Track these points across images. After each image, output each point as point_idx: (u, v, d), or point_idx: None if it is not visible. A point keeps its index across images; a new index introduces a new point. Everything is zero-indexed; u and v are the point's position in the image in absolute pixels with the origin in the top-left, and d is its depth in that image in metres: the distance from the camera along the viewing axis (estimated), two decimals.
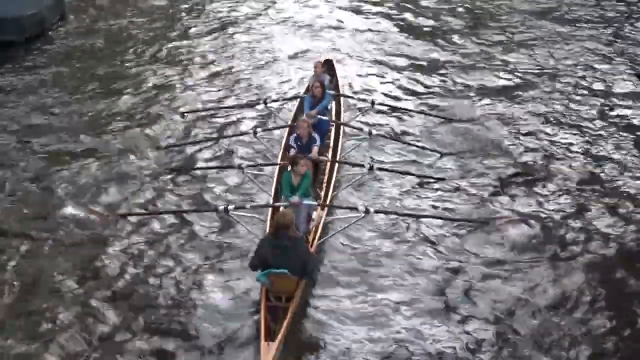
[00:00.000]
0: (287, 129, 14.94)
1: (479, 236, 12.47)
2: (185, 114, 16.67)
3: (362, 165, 13.57)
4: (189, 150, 15.16)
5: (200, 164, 14.50)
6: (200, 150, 15.09)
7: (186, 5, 26.14)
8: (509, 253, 12.10)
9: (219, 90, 18.43)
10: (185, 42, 22.19)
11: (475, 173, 14.60)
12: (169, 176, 14.19)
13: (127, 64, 20.44)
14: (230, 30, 23.28)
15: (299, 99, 16.01)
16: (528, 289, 11.35)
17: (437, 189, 14.00)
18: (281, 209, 11.53)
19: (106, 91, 18.48)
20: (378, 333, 10.40)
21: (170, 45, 21.98)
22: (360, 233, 12.65)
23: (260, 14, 24.89)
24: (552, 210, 13.43)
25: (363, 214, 12.07)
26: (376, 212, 12.33)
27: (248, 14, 24.93)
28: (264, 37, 22.58)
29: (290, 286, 10.39)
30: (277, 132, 15.30)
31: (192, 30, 23.40)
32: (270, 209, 12.15)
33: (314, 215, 12.28)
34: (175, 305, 10.72)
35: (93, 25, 23.65)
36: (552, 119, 17.00)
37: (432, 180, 14.23)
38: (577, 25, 23.67)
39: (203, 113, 16.67)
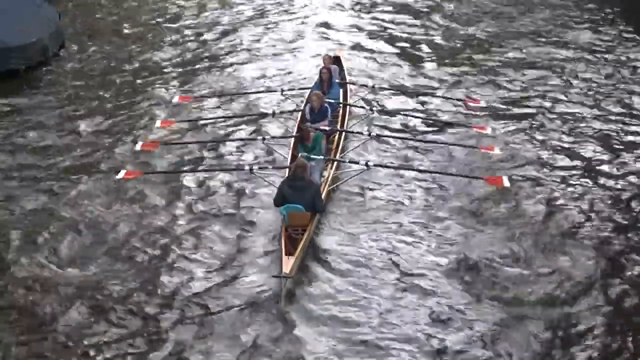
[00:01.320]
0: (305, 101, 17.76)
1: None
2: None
3: (362, 133, 16.32)
4: (196, 152, 17.03)
5: (210, 165, 16.40)
6: (211, 149, 17.14)
7: (178, 37, 25.60)
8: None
9: (217, 108, 19.56)
10: (181, 70, 22.34)
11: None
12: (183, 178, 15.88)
13: (124, 91, 20.69)
14: (229, 60, 23.22)
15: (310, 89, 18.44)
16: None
17: (428, 151, 16.90)
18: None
19: (107, 114, 19.07)
20: (372, 245, 13.58)
21: (166, 70, 22.21)
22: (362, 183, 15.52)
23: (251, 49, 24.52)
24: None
25: (365, 167, 14.77)
26: (375, 165, 14.97)
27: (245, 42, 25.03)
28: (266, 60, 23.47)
29: (305, 219, 13.21)
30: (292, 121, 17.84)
31: (189, 56, 23.54)
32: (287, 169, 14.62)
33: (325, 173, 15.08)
34: (225, 232, 14.00)
35: (93, 53, 23.69)
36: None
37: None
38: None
39: (201, 122, 18.40)
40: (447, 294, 12.18)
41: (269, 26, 26.35)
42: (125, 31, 26.08)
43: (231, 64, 22.61)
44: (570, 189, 15.39)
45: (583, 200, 15.00)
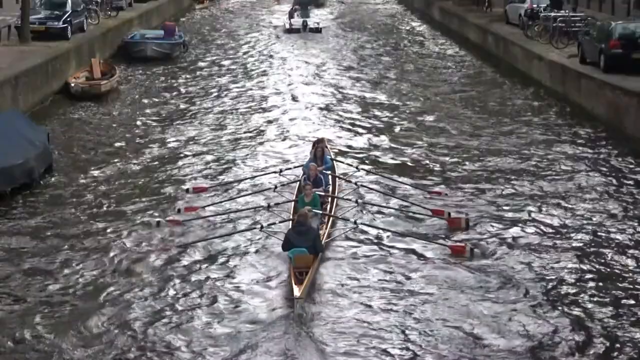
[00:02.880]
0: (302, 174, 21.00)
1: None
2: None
3: (350, 200, 20.18)
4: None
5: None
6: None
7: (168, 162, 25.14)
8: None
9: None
10: (170, 192, 21.97)
11: None
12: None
13: (112, 215, 20.10)
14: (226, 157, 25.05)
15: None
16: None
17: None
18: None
19: (94, 241, 18.42)
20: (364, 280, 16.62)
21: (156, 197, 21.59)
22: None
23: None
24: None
25: (354, 225, 18.38)
26: (362, 224, 18.66)
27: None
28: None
29: (308, 261, 15.92)
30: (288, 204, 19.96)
31: (178, 176, 23.51)
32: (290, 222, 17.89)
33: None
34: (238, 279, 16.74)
35: (80, 177, 22.98)
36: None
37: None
38: None
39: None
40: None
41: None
42: (114, 150, 26.04)
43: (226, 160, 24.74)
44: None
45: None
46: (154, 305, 15.35)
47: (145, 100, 33.43)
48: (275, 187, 20.88)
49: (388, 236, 18.52)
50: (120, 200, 21.21)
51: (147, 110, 31.60)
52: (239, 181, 22.64)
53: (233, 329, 14.48)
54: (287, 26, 55.16)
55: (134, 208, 20.63)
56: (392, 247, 18.08)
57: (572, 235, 18.98)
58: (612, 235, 18.99)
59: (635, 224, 19.69)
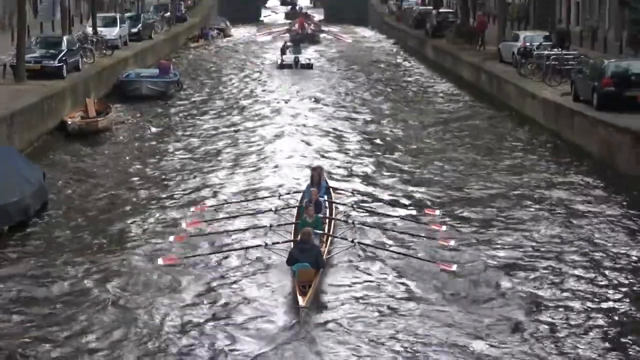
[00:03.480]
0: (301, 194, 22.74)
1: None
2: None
3: (347, 222, 21.60)
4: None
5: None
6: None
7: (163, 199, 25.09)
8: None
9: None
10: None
11: None
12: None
13: (104, 254, 19.99)
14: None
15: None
16: None
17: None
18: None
19: (87, 277, 18.51)
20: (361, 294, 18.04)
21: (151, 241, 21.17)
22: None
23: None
24: None
25: (352, 244, 19.63)
26: (359, 243, 19.95)
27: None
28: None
29: (311, 275, 17.27)
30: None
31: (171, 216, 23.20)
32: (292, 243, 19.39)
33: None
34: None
35: (76, 215, 23.01)
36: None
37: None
38: None
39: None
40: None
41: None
42: (110, 188, 26.06)
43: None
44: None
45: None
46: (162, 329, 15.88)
47: (141, 138, 33.58)
48: (276, 209, 22.09)
49: (383, 253, 19.98)
50: (116, 238, 21.20)
51: (143, 148, 31.71)
52: (239, 203, 23.86)
53: (244, 335, 15.86)
54: (280, 62, 56.39)
55: (130, 245, 20.64)
56: (387, 263, 19.58)
57: (563, 271, 19.12)
58: (604, 269, 19.15)
59: (624, 258, 19.94)
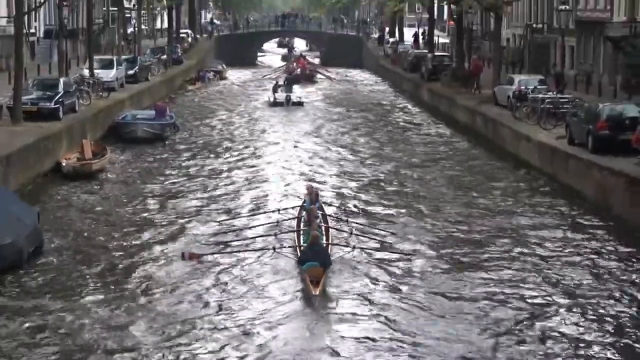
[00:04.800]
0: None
1: None
2: None
3: (344, 231, 25.02)
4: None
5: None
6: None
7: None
8: None
9: None
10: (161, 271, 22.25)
11: None
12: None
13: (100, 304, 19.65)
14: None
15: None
16: None
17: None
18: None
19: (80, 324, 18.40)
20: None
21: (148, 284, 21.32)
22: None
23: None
24: None
25: (351, 249, 23.09)
26: (357, 247, 23.26)
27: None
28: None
29: (319, 272, 20.35)
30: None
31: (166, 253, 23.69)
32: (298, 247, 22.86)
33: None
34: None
35: (70, 257, 22.95)
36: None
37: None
38: None
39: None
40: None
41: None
42: (104, 230, 25.97)
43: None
44: None
45: None
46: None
47: (136, 180, 33.55)
48: (277, 222, 25.57)
49: (378, 254, 23.25)
50: (110, 282, 21.11)
51: (137, 190, 31.67)
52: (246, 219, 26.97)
53: (265, 320, 18.83)
54: (272, 100, 58.36)
55: (125, 288, 20.61)
56: (382, 263, 22.69)
57: (558, 312, 19.24)
58: (602, 312, 19.30)
59: (617, 299, 20.22)
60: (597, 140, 30.18)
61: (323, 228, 23.82)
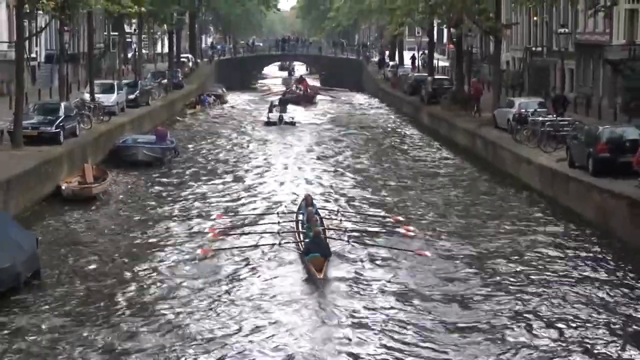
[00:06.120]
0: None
1: None
2: None
3: (340, 229, 27.69)
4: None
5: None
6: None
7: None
8: None
9: None
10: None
11: None
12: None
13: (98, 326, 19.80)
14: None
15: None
16: None
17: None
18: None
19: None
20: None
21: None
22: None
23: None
24: None
25: (347, 242, 26.34)
26: (353, 242, 26.53)
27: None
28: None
29: (321, 262, 23.42)
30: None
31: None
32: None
33: None
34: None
35: (67, 284, 22.89)
36: None
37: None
38: None
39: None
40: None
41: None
42: (103, 256, 25.81)
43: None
44: None
45: None
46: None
47: (136, 204, 33.53)
48: (279, 222, 28.38)
49: (371, 248, 26.26)
50: (109, 311, 20.92)
51: (137, 214, 31.64)
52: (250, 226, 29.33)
53: (278, 298, 22.02)
54: (266, 119, 61.54)
55: (124, 314, 20.58)
56: (374, 254, 25.76)
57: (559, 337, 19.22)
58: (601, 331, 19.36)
59: (618, 320, 20.29)
60: (598, 163, 30.23)
61: (320, 229, 25.83)
